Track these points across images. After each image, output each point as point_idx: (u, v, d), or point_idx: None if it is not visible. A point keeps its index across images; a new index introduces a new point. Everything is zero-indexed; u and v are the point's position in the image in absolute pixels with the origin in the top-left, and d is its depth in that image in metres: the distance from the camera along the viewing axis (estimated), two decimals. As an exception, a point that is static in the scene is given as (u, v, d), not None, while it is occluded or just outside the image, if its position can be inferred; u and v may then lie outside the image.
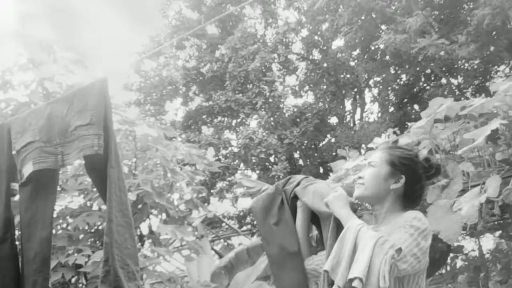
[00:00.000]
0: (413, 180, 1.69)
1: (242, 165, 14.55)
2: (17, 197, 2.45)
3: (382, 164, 1.69)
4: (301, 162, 15.09)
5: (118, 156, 1.96)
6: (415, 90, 14.68)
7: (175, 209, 3.30)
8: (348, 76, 15.40)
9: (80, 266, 2.80)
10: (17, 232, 2.29)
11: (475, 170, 2.38)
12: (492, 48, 11.15)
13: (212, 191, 14.21)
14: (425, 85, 14.45)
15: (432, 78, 14.10)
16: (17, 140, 2.07)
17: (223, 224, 11.96)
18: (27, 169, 2.00)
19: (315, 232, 2.04)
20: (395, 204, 1.67)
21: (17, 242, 2.26)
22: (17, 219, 2.23)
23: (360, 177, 1.72)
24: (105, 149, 1.91)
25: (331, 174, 3.52)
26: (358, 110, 15.86)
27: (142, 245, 3.35)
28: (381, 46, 12.65)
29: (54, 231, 3.14)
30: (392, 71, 14.65)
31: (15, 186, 2.19)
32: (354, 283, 1.41)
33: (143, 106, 15.14)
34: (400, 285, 1.54)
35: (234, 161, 14.28)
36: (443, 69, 12.89)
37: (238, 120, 14.68)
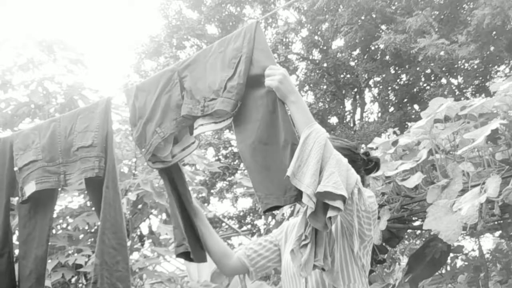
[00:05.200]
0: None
1: (242, 165, 14.53)
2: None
3: None
4: (301, 162, 15.08)
5: (116, 178, 1.93)
6: (415, 90, 14.69)
7: (175, 209, 3.29)
8: (348, 76, 15.41)
9: (80, 266, 2.80)
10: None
11: (475, 170, 2.38)
12: (492, 48, 11.16)
13: (212, 191, 14.22)
14: (425, 85, 14.46)
15: (432, 78, 14.11)
16: (20, 157, 2.06)
17: (223, 224, 11.96)
18: (29, 188, 1.99)
19: None
20: None
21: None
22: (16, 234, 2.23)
23: None
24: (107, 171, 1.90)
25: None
26: (358, 110, 15.87)
27: (142, 245, 3.35)
28: (381, 46, 12.66)
29: (54, 231, 3.14)
30: (392, 71, 14.66)
31: (13, 200, 2.17)
32: (337, 204, 1.30)
33: (143, 106, 15.11)
34: (348, 246, 1.51)
35: (234, 161, 14.29)
36: (443, 69, 12.89)
37: (238, 120, 14.66)
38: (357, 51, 15.05)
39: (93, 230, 3.17)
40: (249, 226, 14.89)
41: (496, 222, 3.45)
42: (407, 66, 13.83)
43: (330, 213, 1.31)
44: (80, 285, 3.08)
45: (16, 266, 2.09)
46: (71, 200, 3.22)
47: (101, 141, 1.91)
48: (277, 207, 1.47)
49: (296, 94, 1.46)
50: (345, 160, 1.39)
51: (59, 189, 2.16)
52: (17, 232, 2.36)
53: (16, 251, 2.27)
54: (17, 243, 2.21)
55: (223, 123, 1.64)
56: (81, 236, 3.03)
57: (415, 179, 2.50)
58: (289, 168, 1.36)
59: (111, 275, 1.85)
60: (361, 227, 1.49)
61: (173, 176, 1.84)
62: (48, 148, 1.99)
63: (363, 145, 13.14)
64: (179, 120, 1.70)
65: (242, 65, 1.59)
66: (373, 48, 14.22)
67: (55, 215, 3.13)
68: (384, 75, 14.51)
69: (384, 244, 3.36)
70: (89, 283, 2.83)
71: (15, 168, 2.05)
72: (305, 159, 1.36)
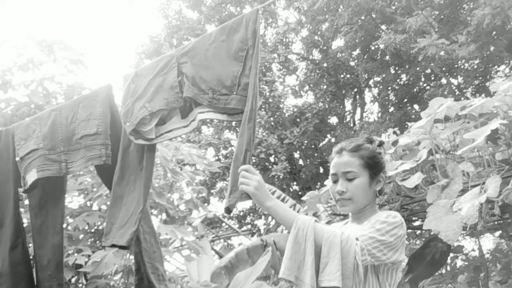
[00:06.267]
0: (384, 172, 1.67)
1: (242, 165, 14.50)
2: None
3: (362, 172, 1.60)
4: (301, 162, 15.09)
5: None
6: (415, 90, 14.68)
7: (175, 209, 3.30)
8: (348, 76, 15.40)
9: (80, 266, 2.80)
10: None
11: (475, 170, 2.38)
12: (492, 48, 11.15)
13: (212, 191, 14.20)
14: (425, 85, 14.45)
15: (432, 78, 14.10)
16: (21, 146, 2.07)
17: (223, 224, 11.95)
18: (31, 176, 2.00)
19: None
20: (373, 202, 1.66)
21: (30, 245, 2.27)
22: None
23: (343, 192, 1.59)
24: (115, 158, 1.91)
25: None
26: (358, 110, 15.87)
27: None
28: (381, 46, 12.65)
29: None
30: (392, 71, 14.65)
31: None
32: None
33: (143, 106, 15.10)
34: (375, 275, 1.52)
35: (234, 161, 14.24)
36: (443, 69, 12.88)
37: (238, 120, 14.67)
38: (357, 51, 15.05)
39: (93, 230, 3.17)
40: (249, 226, 14.89)
41: (496, 222, 3.45)
42: (407, 66, 13.83)
43: None
44: (80, 285, 3.08)
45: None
46: (71, 200, 3.22)
47: (106, 128, 1.92)
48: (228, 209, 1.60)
49: (272, 199, 1.50)
50: (337, 239, 1.41)
51: (66, 177, 2.17)
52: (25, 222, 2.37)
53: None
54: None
55: (237, 117, 1.67)
56: (81, 236, 3.03)
57: (415, 179, 2.50)
58: (286, 271, 1.41)
59: (150, 258, 1.92)
60: (386, 265, 1.53)
61: (143, 163, 1.86)
62: (49, 136, 2.00)
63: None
64: (170, 100, 1.73)
65: (251, 61, 1.61)
66: (373, 48, 14.21)
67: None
68: (384, 75, 14.50)
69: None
70: (89, 282, 2.83)
71: (17, 158, 2.06)
72: (302, 258, 1.41)
